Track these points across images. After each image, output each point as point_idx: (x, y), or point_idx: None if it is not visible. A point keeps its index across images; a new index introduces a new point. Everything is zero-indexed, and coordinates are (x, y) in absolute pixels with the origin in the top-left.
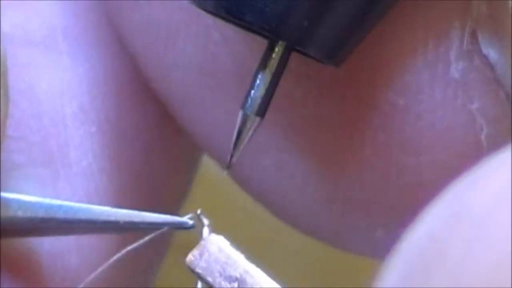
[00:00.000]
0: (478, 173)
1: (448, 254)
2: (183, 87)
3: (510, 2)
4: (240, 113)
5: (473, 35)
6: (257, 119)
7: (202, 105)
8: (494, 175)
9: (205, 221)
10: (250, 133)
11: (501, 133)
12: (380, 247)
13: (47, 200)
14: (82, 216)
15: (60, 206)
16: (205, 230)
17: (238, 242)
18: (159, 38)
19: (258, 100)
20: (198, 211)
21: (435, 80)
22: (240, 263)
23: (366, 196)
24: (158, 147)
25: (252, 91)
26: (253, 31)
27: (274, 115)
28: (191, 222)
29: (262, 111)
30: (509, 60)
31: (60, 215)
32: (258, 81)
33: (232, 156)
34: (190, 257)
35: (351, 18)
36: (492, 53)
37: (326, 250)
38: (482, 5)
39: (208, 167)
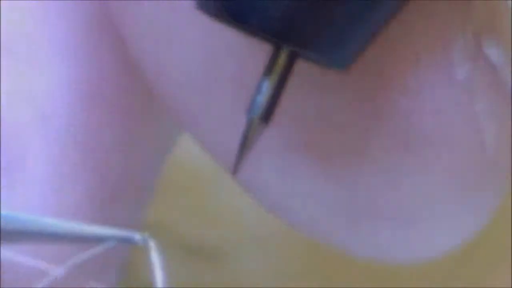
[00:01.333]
0: None
1: None
2: (185, 90)
3: (508, 2)
4: (246, 118)
5: (477, 36)
6: (263, 124)
7: (204, 108)
8: None
9: (152, 244)
10: (256, 138)
11: (505, 134)
12: (384, 250)
13: None
14: (29, 227)
15: (5, 216)
16: (153, 254)
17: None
18: (160, 41)
19: (264, 105)
20: (145, 234)
21: (439, 82)
22: None
23: (370, 198)
24: (123, 152)
25: (258, 96)
26: (257, 36)
27: (275, 116)
28: (138, 237)
29: (268, 116)
30: (509, 60)
31: (5, 225)
32: (263, 86)
33: (238, 162)
34: None
35: (357, 23)
36: (493, 53)
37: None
38: (483, 5)
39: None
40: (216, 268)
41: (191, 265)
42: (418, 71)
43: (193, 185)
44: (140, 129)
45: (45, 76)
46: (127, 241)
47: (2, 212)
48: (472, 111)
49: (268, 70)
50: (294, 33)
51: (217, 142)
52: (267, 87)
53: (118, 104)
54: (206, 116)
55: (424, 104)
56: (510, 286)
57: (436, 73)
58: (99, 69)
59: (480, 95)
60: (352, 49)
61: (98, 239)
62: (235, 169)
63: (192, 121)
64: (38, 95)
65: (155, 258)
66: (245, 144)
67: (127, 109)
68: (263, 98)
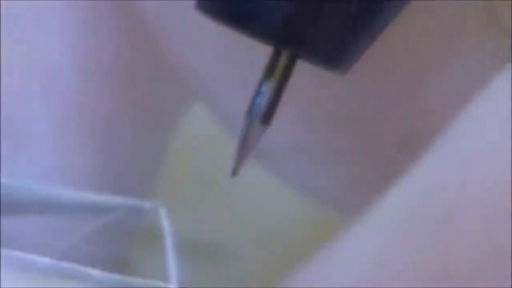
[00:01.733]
0: None
1: None
2: (201, 63)
3: None
4: (245, 121)
5: (489, 7)
6: (262, 126)
7: (218, 80)
8: None
9: (162, 212)
10: (255, 140)
11: None
12: None
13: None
14: (33, 197)
15: (6, 185)
16: (164, 222)
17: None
18: (178, 24)
19: (264, 108)
20: (156, 202)
21: (451, 50)
22: None
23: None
24: (124, 124)
25: (258, 98)
26: (258, 39)
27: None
28: (148, 205)
29: (268, 118)
30: None
31: (6, 195)
32: (263, 89)
33: (237, 164)
34: None
35: (356, 28)
36: (504, 23)
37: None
38: None
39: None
40: (218, 266)
41: (192, 263)
42: (430, 42)
43: (195, 185)
44: (144, 100)
45: (48, 44)
46: (137, 210)
47: (2, 180)
48: (484, 80)
49: (268, 72)
50: (294, 37)
51: (229, 109)
52: (267, 89)
53: (120, 72)
54: (218, 85)
55: (436, 76)
56: (510, 286)
57: (449, 43)
58: (101, 39)
59: (493, 64)
60: (351, 52)
61: (107, 209)
62: (234, 171)
63: (206, 90)
64: (44, 64)
65: (166, 225)
66: (245, 146)
67: (130, 78)
68: (262, 100)
